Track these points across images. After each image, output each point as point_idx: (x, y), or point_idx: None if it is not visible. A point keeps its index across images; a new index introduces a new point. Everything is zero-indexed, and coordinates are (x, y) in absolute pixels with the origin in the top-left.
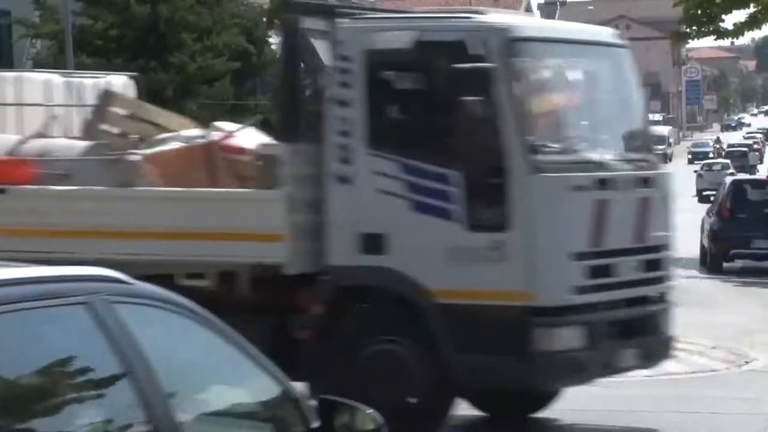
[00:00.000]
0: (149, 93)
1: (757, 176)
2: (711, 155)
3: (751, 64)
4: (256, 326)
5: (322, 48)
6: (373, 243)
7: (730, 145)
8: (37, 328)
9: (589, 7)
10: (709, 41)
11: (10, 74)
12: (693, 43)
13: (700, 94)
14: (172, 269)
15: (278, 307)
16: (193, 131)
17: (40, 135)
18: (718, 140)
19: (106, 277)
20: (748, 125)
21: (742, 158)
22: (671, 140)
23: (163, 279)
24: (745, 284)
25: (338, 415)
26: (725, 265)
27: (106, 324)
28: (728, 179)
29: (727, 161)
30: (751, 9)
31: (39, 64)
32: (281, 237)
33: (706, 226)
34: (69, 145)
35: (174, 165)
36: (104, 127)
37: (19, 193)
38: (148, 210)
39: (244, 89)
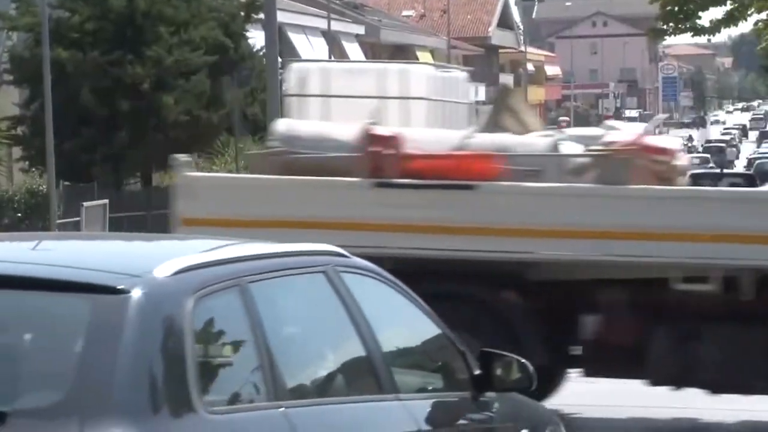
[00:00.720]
0: (125, 86)
1: (709, 170)
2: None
3: (728, 61)
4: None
5: None
6: None
7: (707, 141)
8: (297, 287)
9: (567, 3)
10: (685, 38)
11: (394, 66)
12: (670, 40)
13: (677, 91)
14: (668, 272)
15: None
16: (590, 130)
17: (484, 130)
18: (690, 138)
19: (333, 252)
20: (723, 122)
21: (719, 153)
22: None
23: (657, 283)
24: None
25: (496, 365)
26: None
27: (337, 287)
28: (690, 174)
29: (707, 155)
30: (728, 6)
31: (15, 57)
32: None
33: None
34: (524, 141)
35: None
36: (501, 123)
37: (491, 190)
38: (644, 209)
39: (220, 83)
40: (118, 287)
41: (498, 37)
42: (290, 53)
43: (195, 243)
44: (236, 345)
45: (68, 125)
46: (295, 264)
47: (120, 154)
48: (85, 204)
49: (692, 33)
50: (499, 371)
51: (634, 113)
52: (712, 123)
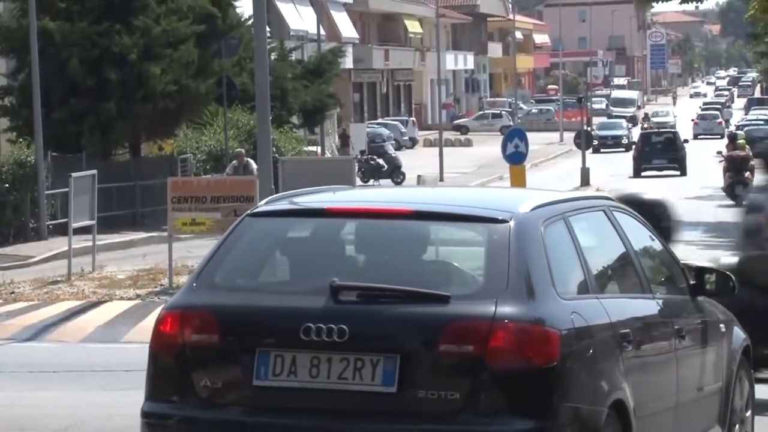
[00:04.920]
0: (113, 56)
1: (657, 130)
2: (625, 141)
3: (716, 29)
4: None
5: None
6: None
7: (705, 103)
8: (591, 220)
9: None
10: (673, 5)
11: None
12: (657, 7)
13: (665, 58)
14: None
15: None
16: None
17: None
18: (646, 118)
19: (605, 196)
20: (704, 95)
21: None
22: (639, 104)
23: None
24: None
25: (707, 277)
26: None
27: (612, 221)
28: (640, 132)
29: (717, 113)
30: None
31: (1, 27)
32: None
33: (633, 156)
34: None
35: None
36: None
37: None
38: None
39: (208, 52)
40: (501, 218)
41: (486, 5)
42: (278, 22)
43: (530, 192)
44: (567, 256)
45: (56, 96)
46: (587, 205)
47: (108, 125)
48: (74, 175)
49: (680, 0)
50: (710, 281)
51: (622, 81)
52: (692, 96)
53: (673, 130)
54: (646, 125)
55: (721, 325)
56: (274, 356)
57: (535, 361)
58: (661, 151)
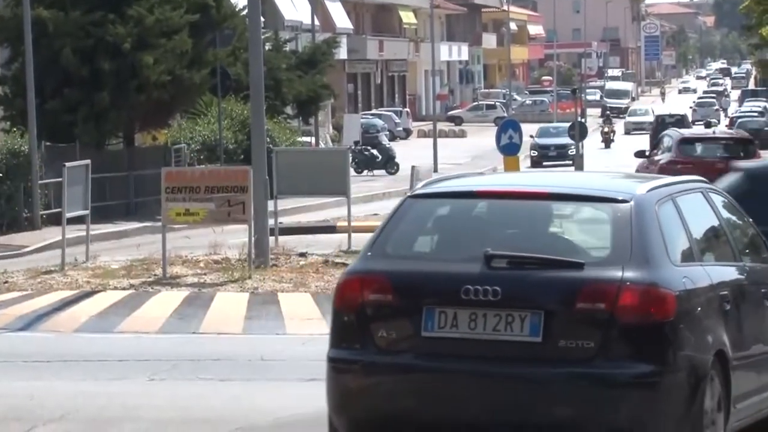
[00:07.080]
0: (107, 46)
1: (671, 113)
2: (572, 151)
3: (710, 20)
4: None
5: None
6: None
7: (704, 92)
8: (693, 200)
9: None
10: None
11: None
12: None
13: (659, 50)
14: None
15: None
16: None
17: None
18: (607, 119)
19: (701, 180)
20: (694, 90)
21: (718, 99)
22: (633, 95)
23: None
24: None
25: None
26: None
27: (709, 201)
28: (656, 115)
29: (714, 101)
30: None
31: None
32: None
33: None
34: None
35: None
36: None
37: None
38: None
39: (202, 42)
40: (622, 199)
41: None
42: (273, 13)
43: (644, 176)
44: (676, 230)
45: (50, 85)
46: (689, 187)
47: (102, 115)
48: (67, 164)
49: None
50: None
51: (616, 72)
52: (680, 91)
53: (682, 113)
54: (606, 129)
55: None
56: (439, 312)
57: (656, 317)
58: None
